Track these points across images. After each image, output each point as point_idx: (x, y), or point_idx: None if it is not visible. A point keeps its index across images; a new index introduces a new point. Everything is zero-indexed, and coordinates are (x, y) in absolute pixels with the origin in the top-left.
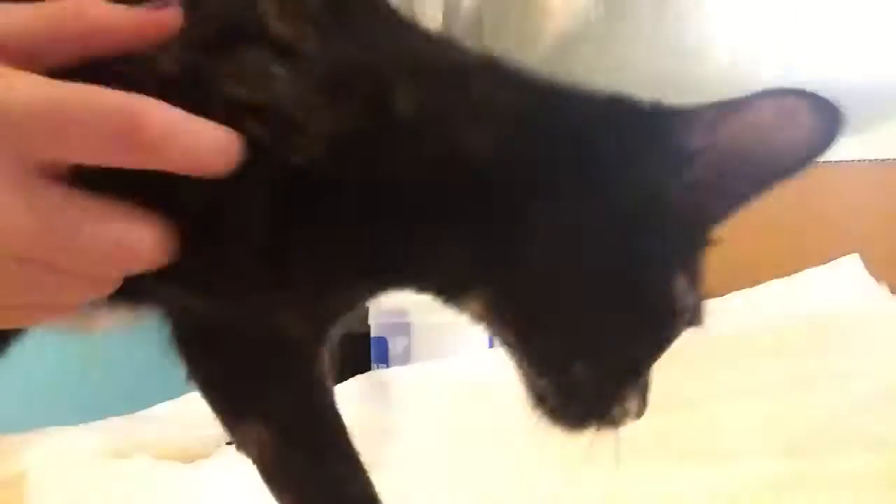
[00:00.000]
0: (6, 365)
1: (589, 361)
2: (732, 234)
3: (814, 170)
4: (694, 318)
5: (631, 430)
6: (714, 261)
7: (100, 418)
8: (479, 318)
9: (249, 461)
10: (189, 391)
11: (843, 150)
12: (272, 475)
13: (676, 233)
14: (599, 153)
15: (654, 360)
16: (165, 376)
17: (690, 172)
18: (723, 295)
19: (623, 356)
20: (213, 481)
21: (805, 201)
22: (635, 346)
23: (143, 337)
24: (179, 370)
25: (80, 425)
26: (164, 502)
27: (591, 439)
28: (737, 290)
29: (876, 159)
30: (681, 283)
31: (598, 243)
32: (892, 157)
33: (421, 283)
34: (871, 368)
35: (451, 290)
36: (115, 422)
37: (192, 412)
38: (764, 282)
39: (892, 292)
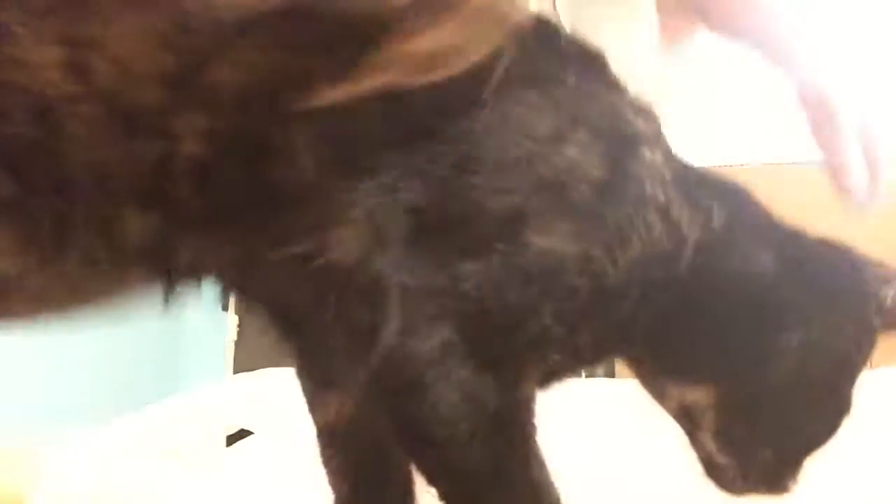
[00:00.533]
0: (8, 370)
1: (777, 448)
2: None
3: (814, 169)
4: (848, 411)
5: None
6: None
7: (102, 419)
8: (692, 405)
9: (312, 425)
10: (189, 390)
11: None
12: (333, 441)
13: (858, 359)
14: (822, 290)
15: (822, 443)
16: (165, 376)
17: (877, 317)
18: None
19: (805, 445)
20: (214, 481)
21: (805, 201)
22: (818, 438)
23: (144, 337)
24: (179, 370)
25: (83, 427)
26: (164, 502)
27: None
28: None
29: None
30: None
31: (813, 361)
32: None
33: (661, 360)
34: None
35: (681, 375)
36: (117, 422)
37: (193, 411)
38: None
39: None
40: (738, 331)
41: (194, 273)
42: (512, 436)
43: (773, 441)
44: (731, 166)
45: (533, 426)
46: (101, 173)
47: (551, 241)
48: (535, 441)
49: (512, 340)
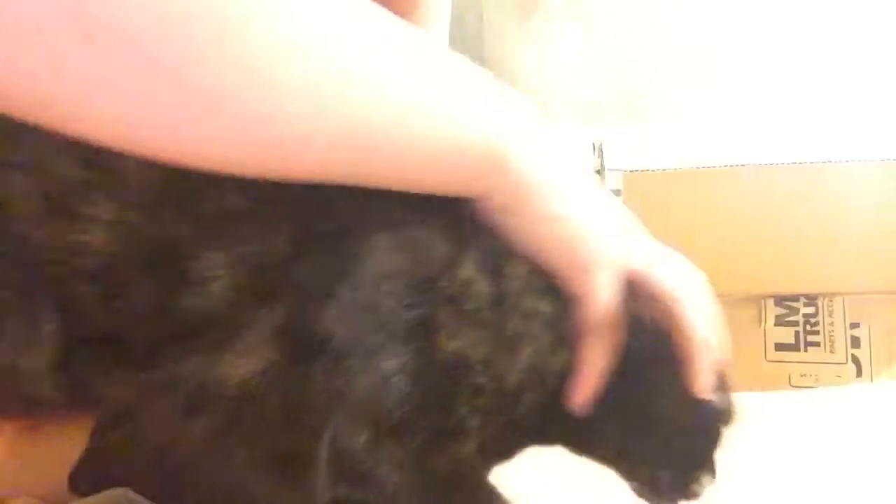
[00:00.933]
0: None
1: (673, 469)
2: (734, 236)
3: (814, 169)
4: (730, 418)
5: None
6: (717, 264)
7: None
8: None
9: None
10: None
11: (844, 149)
12: None
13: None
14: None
15: (713, 453)
16: None
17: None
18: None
19: (696, 461)
20: None
21: (805, 200)
22: (705, 453)
23: None
24: None
25: None
26: None
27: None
28: (739, 290)
29: (876, 159)
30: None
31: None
32: (892, 157)
33: (584, 448)
34: None
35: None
36: None
37: None
38: (765, 283)
39: (892, 292)
40: (626, 405)
41: (81, 394)
42: (465, 489)
43: (667, 465)
44: (729, 167)
45: (484, 476)
46: (31, 254)
47: (458, 345)
48: (490, 488)
49: (434, 426)
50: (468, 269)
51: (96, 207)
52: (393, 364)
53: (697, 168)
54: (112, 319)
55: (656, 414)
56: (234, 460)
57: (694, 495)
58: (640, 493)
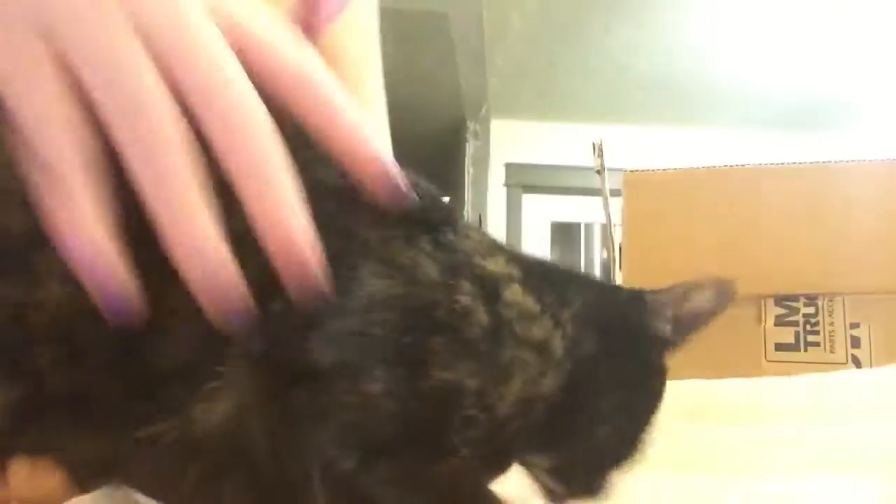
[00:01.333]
0: None
1: (600, 472)
2: (734, 236)
3: (814, 169)
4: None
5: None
6: (717, 264)
7: None
8: (533, 464)
9: None
10: None
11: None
12: None
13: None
14: (623, 350)
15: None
16: None
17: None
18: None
19: (619, 467)
20: None
21: (805, 201)
22: (628, 458)
23: None
24: None
25: None
26: None
27: None
28: (739, 291)
29: (876, 159)
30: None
31: (624, 413)
32: (892, 157)
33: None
34: None
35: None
36: None
37: None
38: (765, 283)
39: (892, 292)
40: (575, 411)
41: (37, 446)
42: (465, 498)
43: (595, 468)
44: (732, 167)
45: (484, 484)
46: None
47: (452, 376)
48: (491, 495)
49: (426, 451)
50: (466, 298)
51: (50, 260)
52: (378, 387)
53: (697, 168)
54: (70, 380)
55: (603, 429)
56: (230, 498)
57: (604, 497)
58: (550, 493)
